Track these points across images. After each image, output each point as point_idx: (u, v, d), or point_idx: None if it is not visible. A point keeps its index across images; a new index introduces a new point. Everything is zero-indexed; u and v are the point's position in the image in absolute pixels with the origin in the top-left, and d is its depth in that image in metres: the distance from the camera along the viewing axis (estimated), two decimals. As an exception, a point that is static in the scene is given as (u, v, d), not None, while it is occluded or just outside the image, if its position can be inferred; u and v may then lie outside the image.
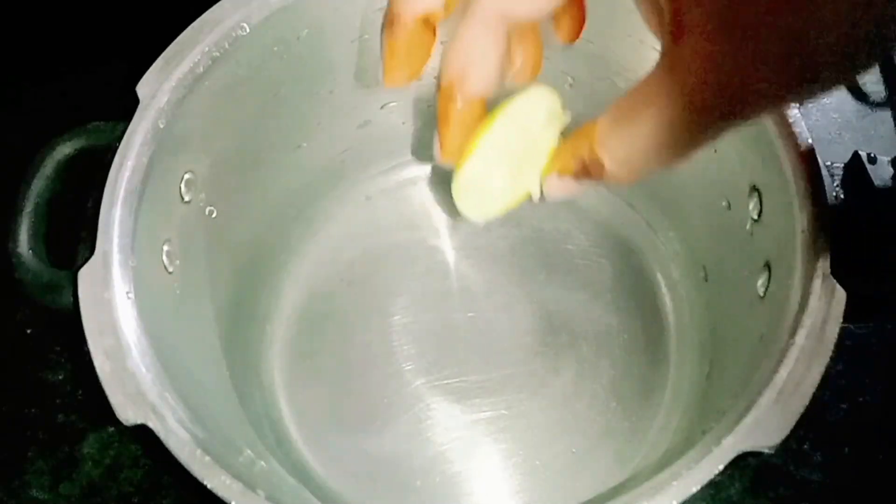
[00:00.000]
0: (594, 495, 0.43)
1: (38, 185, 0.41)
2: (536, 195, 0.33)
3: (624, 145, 0.28)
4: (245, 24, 0.42)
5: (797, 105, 0.38)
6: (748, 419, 0.32)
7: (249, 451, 0.40)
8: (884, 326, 0.49)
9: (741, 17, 0.23)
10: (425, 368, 0.50)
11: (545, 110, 0.33)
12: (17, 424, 0.49)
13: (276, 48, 0.44)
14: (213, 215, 0.45)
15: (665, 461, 0.34)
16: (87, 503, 0.47)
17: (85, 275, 0.36)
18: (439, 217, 0.56)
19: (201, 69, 0.41)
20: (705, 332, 0.49)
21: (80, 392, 0.50)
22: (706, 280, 0.50)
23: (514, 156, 0.33)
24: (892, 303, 0.44)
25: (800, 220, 0.36)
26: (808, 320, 0.34)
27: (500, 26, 0.30)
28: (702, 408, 0.46)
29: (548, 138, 0.33)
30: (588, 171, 0.29)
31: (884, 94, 0.57)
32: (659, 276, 0.52)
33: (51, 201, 0.41)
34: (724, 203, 0.45)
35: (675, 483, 0.32)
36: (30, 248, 0.40)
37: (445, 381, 0.50)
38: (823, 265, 0.35)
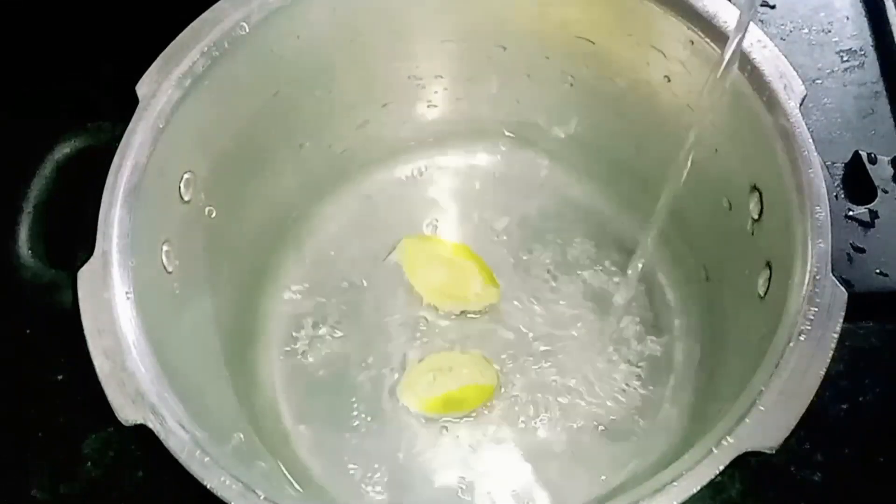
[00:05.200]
0: (594, 495, 0.43)
1: (38, 185, 0.41)
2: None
3: None
4: (245, 24, 0.42)
5: (797, 105, 0.38)
6: (749, 419, 0.32)
7: (248, 451, 0.40)
8: (884, 326, 0.49)
9: None
10: (425, 368, 0.50)
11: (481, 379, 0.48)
12: (17, 424, 0.49)
13: (275, 48, 0.44)
14: (213, 215, 0.45)
15: (665, 461, 0.34)
16: (87, 503, 0.47)
17: (85, 275, 0.36)
18: (439, 216, 0.56)
19: (201, 69, 0.41)
20: (706, 333, 0.49)
21: (80, 392, 0.50)
22: (707, 280, 0.50)
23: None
24: (892, 303, 0.44)
25: (800, 219, 0.36)
26: (809, 320, 0.34)
27: None
28: (702, 408, 0.46)
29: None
30: None
31: (882, 89, 0.57)
32: (659, 276, 0.52)
33: (51, 201, 0.41)
34: (724, 203, 0.45)
35: (675, 483, 0.32)
36: (30, 249, 0.40)
37: (445, 381, 0.50)
38: (824, 265, 0.35)
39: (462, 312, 0.51)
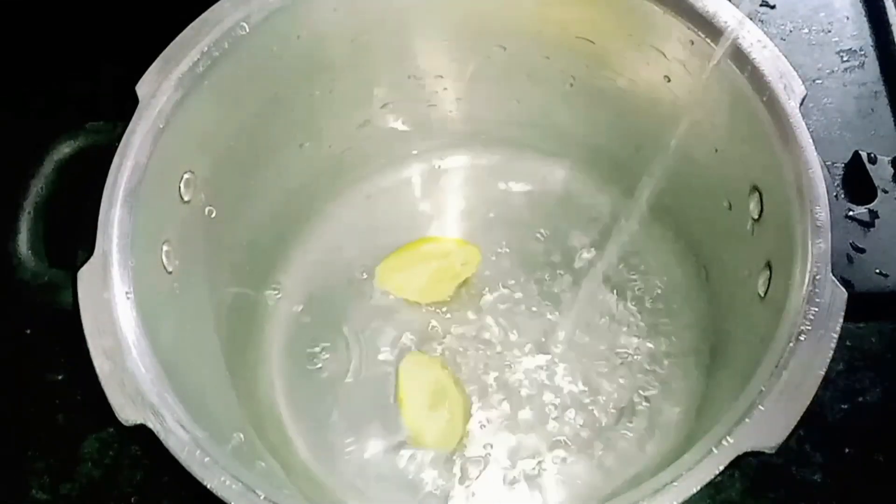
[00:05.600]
0: (594, 496, 0.43)
1: (38, 185, 0.41)
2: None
3: None
4: (245, 24, 0.42)
5: (797, 105, 0.38)
6: (749, 419, 0.32)
7: (248, 451, 0.40)
8: (884, 326, 0.49)
9: None
10: (425, 368, 0.50)
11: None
12: (17, 424, 0.49)
13: (275, 48, 0.44)
14: (213, 215, 0.45)
15: (665, 461, 0.34)
16: (87, 503, 0.47)
17: (85, 275, 0.36)
18: (439, 216, 0.56)
19: (201, 69, 0.41)
20: (706, 333, 0.49)
21: (80, 392, 0.50)
22: (707, 280, 0.50)
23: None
24: (892, 303, 0.44)
25: (800, 219, 0.36)
26: (809, 320, 0.34)
27: None
28: (702, 408, 0.46)
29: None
30: None
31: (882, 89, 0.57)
32: (659, 276, 0.52)
33: (51, 201, 0.41)
34: (724, 203, 0.45)
35: (675, 483, 0.32)
36: (30, 248, 0.40)
37: (445, 381, 0.49)
38: (824, 265, 0.35)
39: (462, 284, 0.52)
